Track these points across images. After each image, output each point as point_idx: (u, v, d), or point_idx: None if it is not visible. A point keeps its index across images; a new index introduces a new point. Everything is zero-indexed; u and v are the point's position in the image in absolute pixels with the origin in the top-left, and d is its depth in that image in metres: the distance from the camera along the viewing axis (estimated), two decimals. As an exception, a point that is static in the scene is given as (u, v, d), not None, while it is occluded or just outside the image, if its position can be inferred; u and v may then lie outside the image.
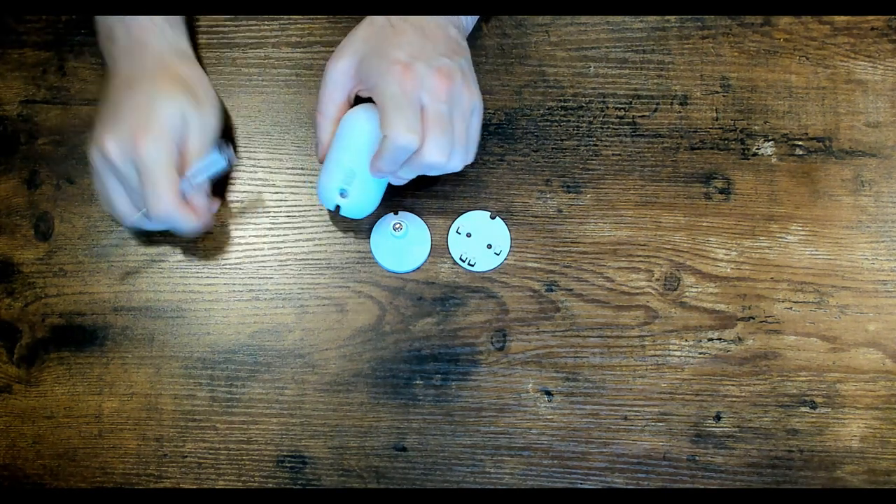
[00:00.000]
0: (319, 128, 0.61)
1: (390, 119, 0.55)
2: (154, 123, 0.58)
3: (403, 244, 0.64)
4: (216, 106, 0.62)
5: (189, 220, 0.59)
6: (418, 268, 0.65)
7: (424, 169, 0.57)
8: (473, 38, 0.67)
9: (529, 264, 0.65)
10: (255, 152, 0.66)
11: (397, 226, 0.62)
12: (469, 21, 0.63)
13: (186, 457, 0.64)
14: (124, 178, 0.58)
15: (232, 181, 0.66)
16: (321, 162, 0.61)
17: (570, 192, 0.65)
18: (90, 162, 0.59)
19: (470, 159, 0.59)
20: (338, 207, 0.61)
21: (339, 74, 0.59)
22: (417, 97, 0.55)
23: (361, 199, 0.60)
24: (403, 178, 0.59)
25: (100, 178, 0.59)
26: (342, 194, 0.60)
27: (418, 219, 0.65)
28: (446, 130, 0.56)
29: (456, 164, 0.58)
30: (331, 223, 0.65)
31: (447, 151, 0.56)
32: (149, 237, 0.65)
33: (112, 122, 0.58)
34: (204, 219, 0.60)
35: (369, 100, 0.59)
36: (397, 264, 0.64)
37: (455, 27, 0.60)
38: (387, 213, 0.64)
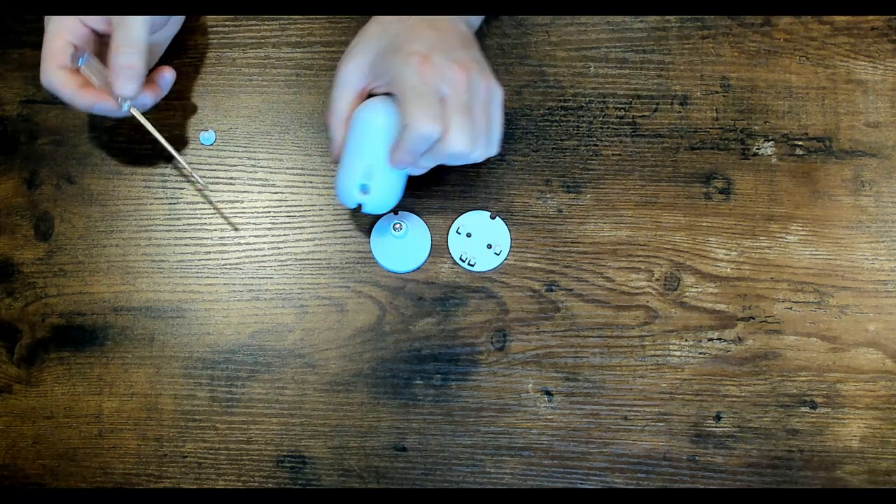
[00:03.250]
0: (332, 128, 0.60)
1: (412, 108, 0.54)
2: None
3: (403, 244, 0.64)
4: None
5: (70, 94, 0.59)
6: (418, 268, 0.65)
7: (447, 158, 0.57)
8: (473, 38, 0.67)
9: (529, 264, 0.65)
10: (255, 152, 0.66)
11: (397, 226, 0.62)
12: (476, 21, 0.63)
13: (186, 457, 0.64)
14: None
15: (231, 181, 0.66)
16: (336, 162, 0.61)
17: (570, 192, 0.65)
18: None
19: (494, 150, 0.59)
20: (359, 206, 0.60)
21: (352, 73, 0.59)
22: (437, 87, 0.55)
23: (383, 194, 0.59)
24: (425, 167, 0.59)
25: None
26: (363, 191, 0.59)
27: (418, 219, 0.65)
28: (469, 119, 0.55)
29: (480, 154, 0.57)
30: (331, 223, 0.65)
31: (471, 140, 0.55)
32: (149, 238, 0.65)
33: None
34: (91, 96, 0.60)
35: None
36: (397, 264, 0.64)
37: (464, 23, 0.60)
38: (387, 213, 0.64)
